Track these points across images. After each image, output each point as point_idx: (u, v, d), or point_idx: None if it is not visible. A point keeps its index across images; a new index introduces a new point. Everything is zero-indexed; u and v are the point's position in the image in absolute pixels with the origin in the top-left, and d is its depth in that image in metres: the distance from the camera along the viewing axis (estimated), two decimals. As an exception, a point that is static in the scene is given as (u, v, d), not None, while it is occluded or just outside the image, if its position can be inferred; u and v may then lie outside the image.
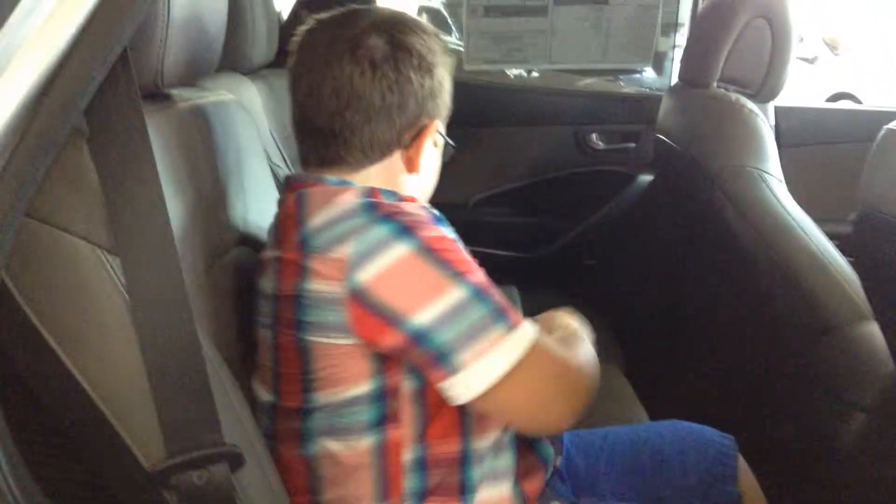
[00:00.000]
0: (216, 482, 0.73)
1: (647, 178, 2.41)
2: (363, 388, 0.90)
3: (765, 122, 1.73)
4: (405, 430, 0.93)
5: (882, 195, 1.03)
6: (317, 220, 0.89)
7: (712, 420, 1.33)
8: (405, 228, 0.86)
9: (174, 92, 0.97)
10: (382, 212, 0.88)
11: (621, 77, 2.77)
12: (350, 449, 0.92)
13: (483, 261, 1.40)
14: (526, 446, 1.09)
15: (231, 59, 1.61)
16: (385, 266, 0.85)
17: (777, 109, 2.26)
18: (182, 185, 0.88)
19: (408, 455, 0.93)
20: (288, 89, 1.00)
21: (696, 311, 2.01)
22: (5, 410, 0.69)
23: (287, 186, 1.01)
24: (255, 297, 0.98)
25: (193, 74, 0.97)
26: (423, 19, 2.94)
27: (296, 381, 0.92)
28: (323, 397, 0.92)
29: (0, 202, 0.64)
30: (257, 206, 1.11)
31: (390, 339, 0.86)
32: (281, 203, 1.00)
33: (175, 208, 0.77)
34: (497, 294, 0.90)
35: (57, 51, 0.65)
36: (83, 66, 0.66)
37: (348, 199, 0.89)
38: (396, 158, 1.00)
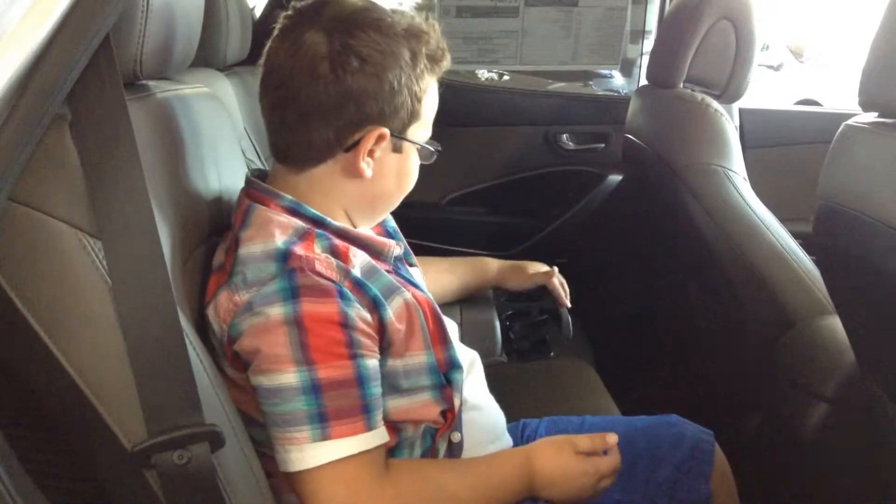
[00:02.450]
0: (197, 462, 0.74)
1: (616, 177, 2.45)
2: (258, 415, 0.92)
3: (729, 121, 1.76)
4: None
5: (840, 188, 1.06)
6: (245, 250, 0.92)
7: (681, 413, 1.35)
8: (294, 291, 0.87)
9: (151, 83, 0.97)
10: (290, 265, 0.88)
11: (591, 82, 2.81)
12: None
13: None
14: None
15: (205, 55, 1.62)
16: (256, 322, 0.87)
17: (741, 111, 2.30)
18: (159, 175, 0.89)
19: None
20: None
21: (665, 307, 2.05)
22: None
23: (246, 188, 1.02)
24: None
25: (170, 67, 0.98)
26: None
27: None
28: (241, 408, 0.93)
29: (-17, 185, 0.65)
30: (232, 198, 1.11)
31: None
32: (239, 202, 1.01)
33: (153, 196, 0.78)
34: (344, 397, 0.88)
35: (41, 35, 0.66)
36: (67, 50, 0.67)
37: (274, 240, 0.91)
38: (340, 161, 0.97)
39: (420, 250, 1.28)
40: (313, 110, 0.93)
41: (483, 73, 2.73)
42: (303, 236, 0.93)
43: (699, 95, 1.78)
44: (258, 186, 0.99)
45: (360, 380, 0.89)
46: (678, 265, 1.92)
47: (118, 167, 0.74)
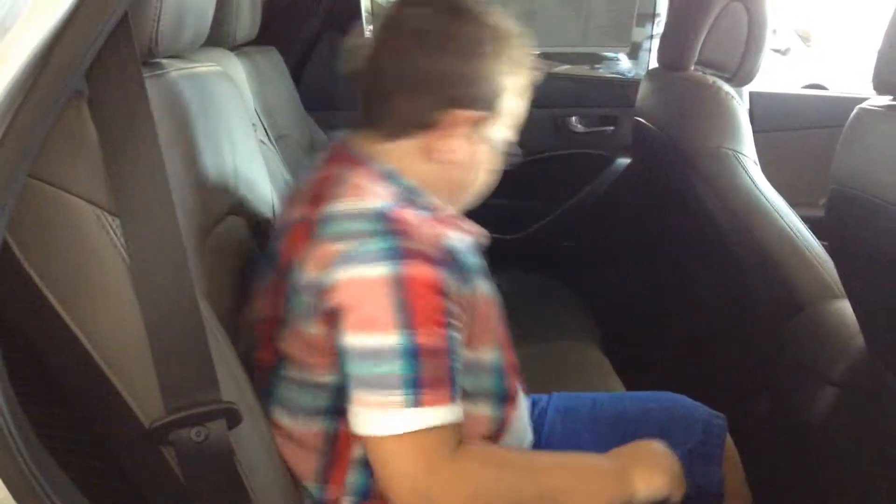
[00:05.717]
0: (214, 439, 0.75)
1: (624, 160, 2.43)
2: (324, 378, 0.90)
3: (740, 104, 1.75)
4: None
5: (854, 172, 1.06)
6: (336, 207, 0.90)
7: (689, 397, 1.35)
8: (398, 252, 0.85)
9: (164, 61, 0.97)
10: (392, 227, 0.87)
11: (598, 66, 2.79)
12: (301, 427, 0.93)
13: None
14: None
15: (216, 34, 1.61)
16: (358, 277, 0.84)
17: (752, 95, 2.29)
18: (175, 152, 0.89)
19: (357, 451, 0.93)
20: None
21: (673, 291, 2.05)
22: (11, 375, 0.70)
23: (331, 154, 1.01)
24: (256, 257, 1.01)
25: (184, 45, 0.98)
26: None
27: (272, 347, 0.93)
28: (289, 371, 0.92)
29: (3, 162, 0.65)
30: (247, 177, 1.11)
31: (333, 339, 0.87)
32: (321, 166, 1.00)
33: (170, 174, 0.78)
34: (437, 366, 0.85)
35: (60, 13, 0.66)
36: (85, 28, 0.67)
37: (371, 199, 0.90)
38: (421, 139, 0.97)
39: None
40: (402, 83, 0.96)
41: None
42: (402, 203, 0.92)
43: (710, 78, 1.77)
44: (349, 150, 0.99)
45: (451, 350, 0.87)
46: (687, 248, 1.92)
47: (136, 144, 0.74)
